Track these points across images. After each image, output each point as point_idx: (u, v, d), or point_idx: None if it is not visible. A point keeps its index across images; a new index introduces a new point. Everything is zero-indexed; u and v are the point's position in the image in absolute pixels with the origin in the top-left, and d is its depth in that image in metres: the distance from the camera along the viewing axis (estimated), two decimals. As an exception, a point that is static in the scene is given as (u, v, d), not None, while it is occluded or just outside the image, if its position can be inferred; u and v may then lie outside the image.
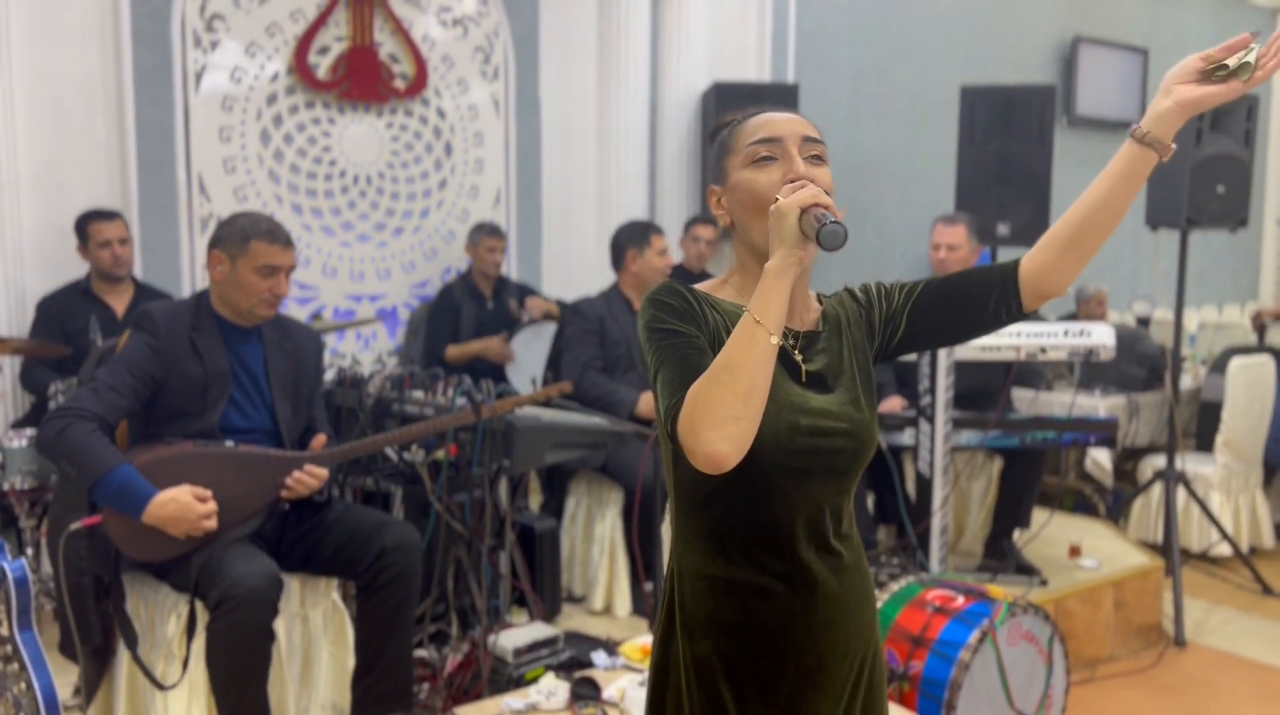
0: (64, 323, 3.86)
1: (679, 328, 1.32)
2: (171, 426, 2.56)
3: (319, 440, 2.74)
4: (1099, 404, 4.88)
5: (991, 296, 1.42)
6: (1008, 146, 5.06)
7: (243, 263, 2.58)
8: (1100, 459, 4.95)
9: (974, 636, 2.64)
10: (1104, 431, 3.57)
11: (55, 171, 4.16)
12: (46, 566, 3.36)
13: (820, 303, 1.49)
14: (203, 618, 2.40)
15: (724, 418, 1.18)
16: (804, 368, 1.39)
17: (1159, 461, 4.65)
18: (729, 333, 1.35)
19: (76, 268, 4.07)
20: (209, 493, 2.45)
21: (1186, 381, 5.43)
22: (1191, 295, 8.18)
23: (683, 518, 1.40)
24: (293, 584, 2.66)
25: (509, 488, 3.16)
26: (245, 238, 2.57)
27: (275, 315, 2.77)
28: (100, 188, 4.25)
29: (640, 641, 2.80)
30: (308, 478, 2.61)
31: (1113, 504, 5.11)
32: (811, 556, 1.38)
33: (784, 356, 1.38)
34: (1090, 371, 5.09)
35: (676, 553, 1.42)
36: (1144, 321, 5.93)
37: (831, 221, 1.22)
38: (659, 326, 1.32)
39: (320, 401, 2.91)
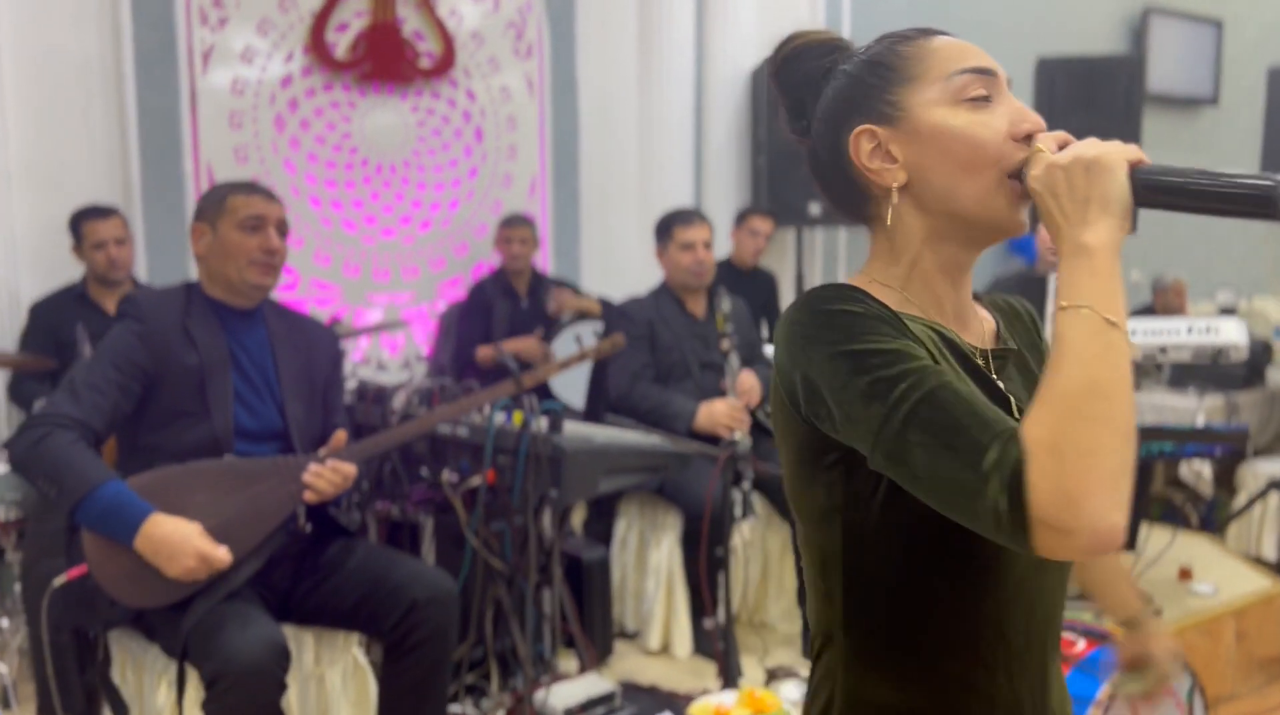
0: (57, 331, 3.52)
1: (897, 347, 0.87)
2: (169, 434, 2.18)
3: (338, 436, 2.28)
4: (1196, 405, 4.45)
5: None
6: (1089, 123, 4.62)
7: (224, 223, 2.27)
8: (1199, 466, 4.53)
9: (1104, 692, 2.28)
10: (1231, 442, 3.14)
11: (50, 163, 3.87)
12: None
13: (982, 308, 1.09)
14: (197, 693, 2.01)
15: (1114, 471, 0.78)
16: (1013, 401, 0.98)
17: (1262, 467, 4.24)
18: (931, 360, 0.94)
19: (74, 269, 3.75)
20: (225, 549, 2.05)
21: (1290, 379, 4.99)
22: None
23: (850, 617, 0.98)
24: (306, 638, 2.28)
25: (554, 515, 2.77)
26: (221, 198, 2.31)
27: (281, 308, 2.44)
28: (100, 180, 3.96)
29: (713, 702, 2.40)
30: (330, 473, 2.20)
31: (1205, 513, 4.68)
32: (1044, 672, 0.98)
33: (985, 383, 0.97)
34: (1181, 368, 4.66)
35: (835, 676, 0.99)
36: (1228, 312, 5.55)
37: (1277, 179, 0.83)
38: (861, 347, 0.87)
39: (342, 409, 2.53)
